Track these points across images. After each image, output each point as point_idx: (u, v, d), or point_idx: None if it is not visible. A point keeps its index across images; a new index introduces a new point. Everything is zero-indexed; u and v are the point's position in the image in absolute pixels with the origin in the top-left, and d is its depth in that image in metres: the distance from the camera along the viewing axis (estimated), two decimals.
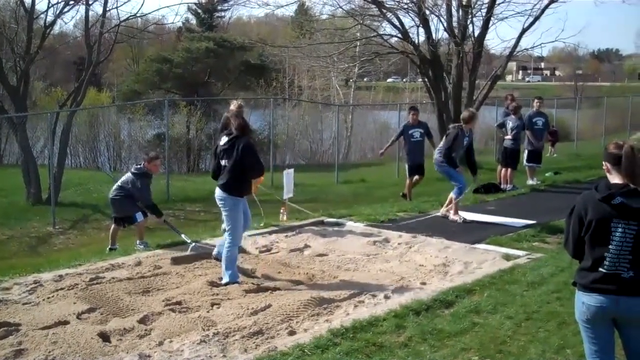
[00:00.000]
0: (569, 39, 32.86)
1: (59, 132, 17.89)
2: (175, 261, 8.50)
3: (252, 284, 7.73)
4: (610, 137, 30.16)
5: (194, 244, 9.21)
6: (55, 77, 39.00)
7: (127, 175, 9.94)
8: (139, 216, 9.85)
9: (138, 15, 20.47)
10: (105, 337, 6.02)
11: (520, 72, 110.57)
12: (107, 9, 17.82)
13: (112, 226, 10.27)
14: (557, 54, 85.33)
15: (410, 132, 14.38)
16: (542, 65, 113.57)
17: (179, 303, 6.99)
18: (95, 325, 6.31)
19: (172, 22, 36.46)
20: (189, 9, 44.35)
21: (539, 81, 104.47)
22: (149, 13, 29.06)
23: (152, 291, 7.47)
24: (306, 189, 17.02)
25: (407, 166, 14.81)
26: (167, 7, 55.17)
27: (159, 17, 30.75)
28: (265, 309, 6.74)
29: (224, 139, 7.84)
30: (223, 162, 7.79)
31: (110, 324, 6.37)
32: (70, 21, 75.36)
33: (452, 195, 11.54)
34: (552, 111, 30.21)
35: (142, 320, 6.44)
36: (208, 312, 6.76)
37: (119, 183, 9.97)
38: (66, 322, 6.36)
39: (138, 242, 9.66)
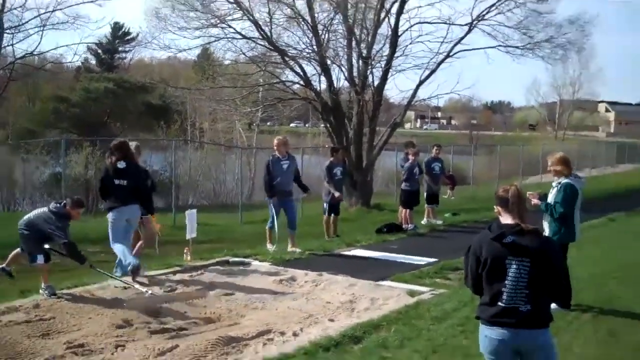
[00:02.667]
0: (463, 91, 34.08)
1: None
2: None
3: (158, 324, 7.53)
4: (503, 182, 31.48)
5: (149, 292, 8.58)
6: None
7: (43, 212, 8.86)
8: (39, 258, 8.80)
9: (35, 53, 19.90)
10: None
11: (419, 120, 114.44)
12: (2, 45, 17.27)
13: (17, 249, 9.43)
14: (453, 105, 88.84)
15: (334, 170, 14.51)
16: (439, 114, 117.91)
17: (81, 345, 6.71)
18: None
19: (71, 62, 35.65)
20: (89, 49, 43.67)
21: (436, 129, 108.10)
22: (47, 51, 28.19)
23: (53, 334, 7.14)
24: (210, 228, 16.83)
25: (326, 205, 14.57)
26: (66, 45, 53.82)
27: (57, 56, 30.00)
28: (172, 349, 6.58)
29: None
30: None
31: None
32: None
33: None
34: (449, 157, 31.31)
35: None
36: (112, 354, 6.53)
37: (31, 217, 8.93)
38: None
39: (43, 285, 8.89)
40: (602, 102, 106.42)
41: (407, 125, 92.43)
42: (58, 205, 8.82)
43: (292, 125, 57.34)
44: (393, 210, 20.48)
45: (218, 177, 31.56)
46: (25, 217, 9.04)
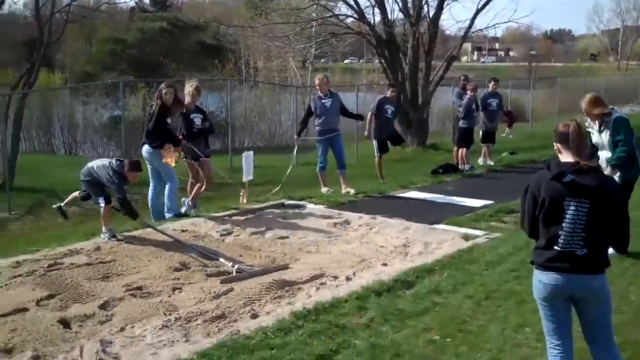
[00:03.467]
0: (522, 19, 33.33)
1: (11, 116, 17.45)
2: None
3: (214, 267, 7.71)
4: (563, 117, 30.68)
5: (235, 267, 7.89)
6: (5, 58, 37.94)
7: (104, 166, 8.97)
8: (101, 201, 9.06)
9: None
10: (65, 323, 5.95)
11: (475, 53, 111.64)
12: None
13: (76, 192, 9.72)
14: (511, 35, 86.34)
15: (385, 107, 14.26)
16: (497, 46, 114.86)
17: (139, 288, 6.94)
18: (55, 312, 6.24)
19: (125, 2, 35.75)
20: None
21: (493, 62, 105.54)
22: None
23: (112, 277, 7.39)
24: (265, 170, 16.94)
25: (376, 143, 14.25)
26: None
27: None
28: (228, 292, 6.74)
29: None
30: None
31: (70, 310, 6.30)
32: (19, 1, 73.42)
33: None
34: (507, 92, 30.59)
35: (102, 306, 6.38)
36: (169, 296, 6.73)
37: (93, 167, 9.07)
38: (25, 309, 6.25)
39: (103, 229, 8.97)
40: None
41: (464, 59, 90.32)
42: (118, 163, 8.95)
43: (346, 61, 56.73)
44: (449, 150, 20.19)
45: (273, 118, 31.56)
46: (88, 165, 9.22)
